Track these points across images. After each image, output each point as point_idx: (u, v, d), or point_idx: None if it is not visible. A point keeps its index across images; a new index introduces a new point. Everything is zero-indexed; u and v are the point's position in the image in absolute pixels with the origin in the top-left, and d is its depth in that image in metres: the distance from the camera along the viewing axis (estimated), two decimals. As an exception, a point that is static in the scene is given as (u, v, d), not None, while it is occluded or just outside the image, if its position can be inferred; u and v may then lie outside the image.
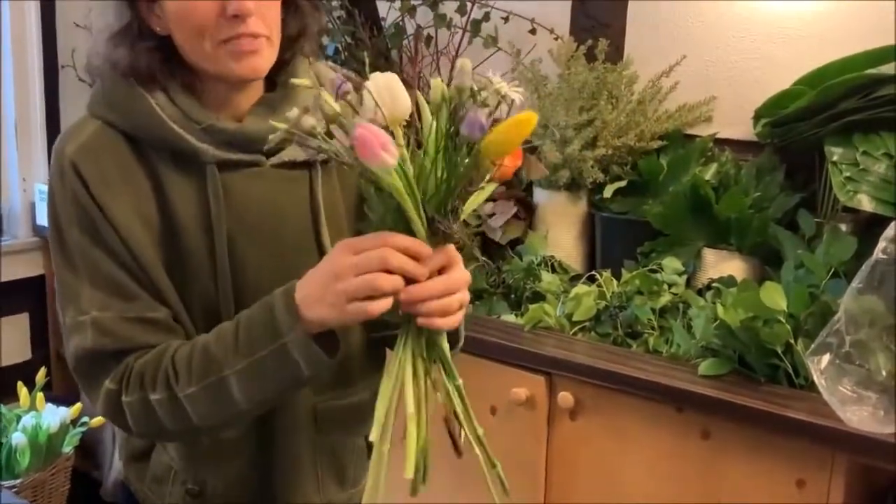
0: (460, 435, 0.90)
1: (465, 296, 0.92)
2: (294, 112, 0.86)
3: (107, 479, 2.43)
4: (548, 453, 1.69)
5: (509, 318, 1.83)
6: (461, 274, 0.91)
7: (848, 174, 1.61)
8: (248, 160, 1.02)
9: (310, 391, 1.08)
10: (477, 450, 0.91)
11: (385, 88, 0.83)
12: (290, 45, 1.06)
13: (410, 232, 0.87)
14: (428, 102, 0.87)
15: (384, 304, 0.87)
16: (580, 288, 1.81)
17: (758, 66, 1.92)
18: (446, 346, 0.93)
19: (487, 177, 0.88)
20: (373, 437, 0.87)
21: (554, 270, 1.96)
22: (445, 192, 0.85)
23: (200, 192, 1.00)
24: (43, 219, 2.48)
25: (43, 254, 2.54)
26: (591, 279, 1.86)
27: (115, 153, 0.99)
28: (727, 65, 1.95)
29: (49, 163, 2.54)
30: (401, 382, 0.88)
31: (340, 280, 0.87)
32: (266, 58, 1.00)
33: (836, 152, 1.64)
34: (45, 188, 2.43)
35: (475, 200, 0.90)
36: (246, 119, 1.03)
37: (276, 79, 1.07)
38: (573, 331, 1.74)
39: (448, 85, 0.86)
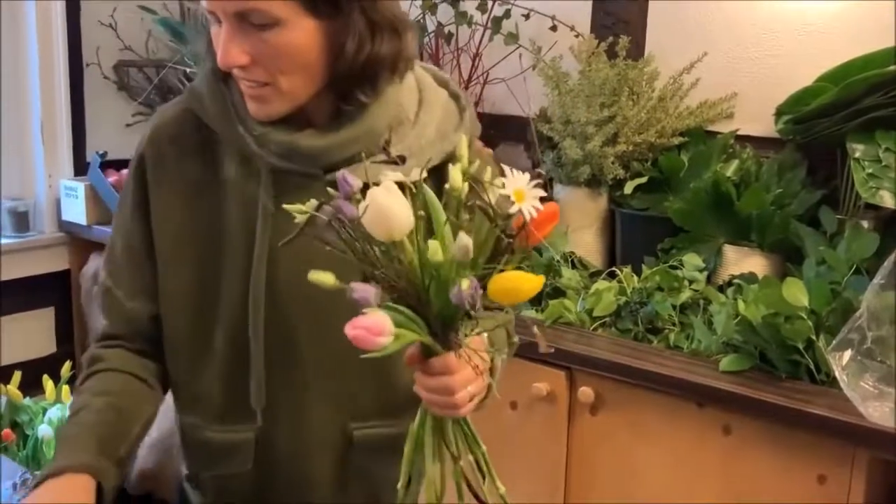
0: (481, 489, 0.90)
1: (476, 387, 0.88)
2: (311, 203, 0.84)
3: (131, 470, 2.46)
4: (568, 448, 1.70)
5: (529, 313, 1.83)
6: (461, 377, 0.86)
7: (870, 171, 1.61)
8: (302, 171, 0.99)
9: (350, 416, 1.08)
10: None
11: (376, 213, 0.79)
12: (343, 89, 0.98)
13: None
14: None
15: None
16: (600, 284, 1.81)
17: (780, 62, 1.91)
18: (466, 419, 0.91)
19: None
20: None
21: (574, 266, 1.96)
22: (451, 315, 0.83)
23: (256, 197, 1.01)
24: (69, 215, 2.51)
25: (68, 249, 2.58)
26: (611, 275, 1.87)
27: (186, 140, 1.03)
28: (749, 61, 1.95)
29: (74, 159, 2.58)
30: (420, 451, 0.89)
31: None
32: (275, 104, 0.96)
33: (858, 149, 1.64)
34: (71, 185, 2.48)
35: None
36: (303, 133, 0.99)
37: (360, 93, 0.99)
38: (593, 326, 1.75)
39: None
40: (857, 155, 1.63)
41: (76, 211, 2.48)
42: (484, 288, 0.80)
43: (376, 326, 0.78)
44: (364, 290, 0.79)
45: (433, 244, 0.80)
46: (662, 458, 1.59)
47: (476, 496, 0.89)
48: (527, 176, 0.81)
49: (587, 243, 2.04)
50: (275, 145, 0.98)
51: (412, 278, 0.81)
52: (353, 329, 0.77)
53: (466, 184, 0.83)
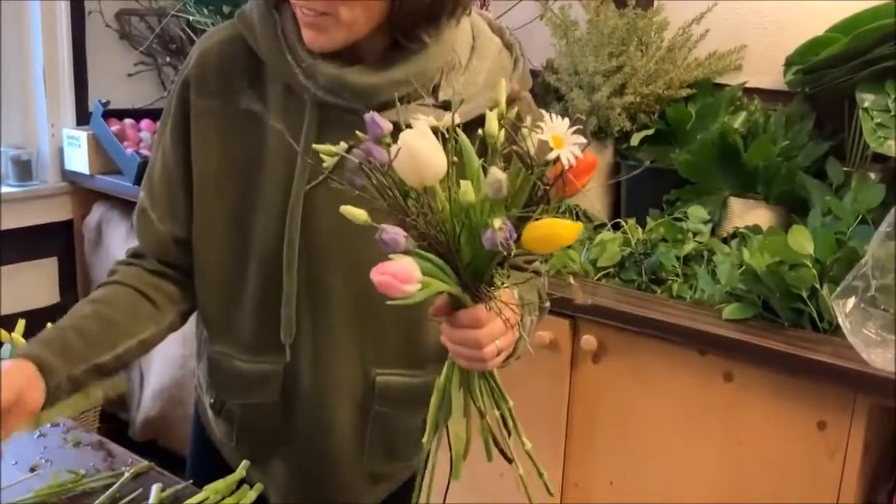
0: (507, 444, 0.89)
1: (505, 341, 0.87)
2: (342, 146, 0.83)
3: (134, 420, 2.49)
4: (570, 396, 1.72)
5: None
6: (499, 323, 0.85)
7: (879, 120, 1.60)
8: (347, 107, 0.97)
9: (373, 362, 1.08)
10: (521, 467, 0.90)
11: (409, 157, 0.77)
12: (399, 27, 0.96)
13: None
14: None
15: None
16: (605, 235, 1.81)
17: (789, 14, 1.89)
18: (493, 374, 0.90)
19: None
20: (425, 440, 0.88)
21: (578, 219, 1.96)
22: (482, 266, 0.81)
23: (298, 130, 0.99)
24: (71, 164, 2.50)
25: (71, 198, 2.58)
26: (616, 227, 1.87)
27: (232, 65, 1.01)
28: (758, 13, 1.93)
29: (76, 109, 2.57)
30: (446, 405, 0.87)
31: None
32: (331, 37, 0.94)
33: (867, 98, 1.63)
34: (73, 134, 2.47)
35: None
36: (351, 69, 0.96)
37: (420, 33, 0.97)
38: (597, 276, 1.75)
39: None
40: (866, 105, 1.62)
41: (79, 160, 2.47)
42: (518, 239, 0.77)
43: (404, 273, 0.76)
44: (394, 233, 0.77)
45: (465, 184, 0.77)
46: (664, 405, 1.60)
47: (502, 452, 0.88)
48: (566, 122, 0.77)
49: (591, 196, 2.03)
50: (323, 78, 0.95)
51: (443, 227, 0.79)
52: (379, 274, 0.75)
53: (503, 131, 0.80)
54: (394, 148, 0.77)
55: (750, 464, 1.52)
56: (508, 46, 1.05)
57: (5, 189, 2.44)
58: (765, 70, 1.92)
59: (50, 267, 2.60)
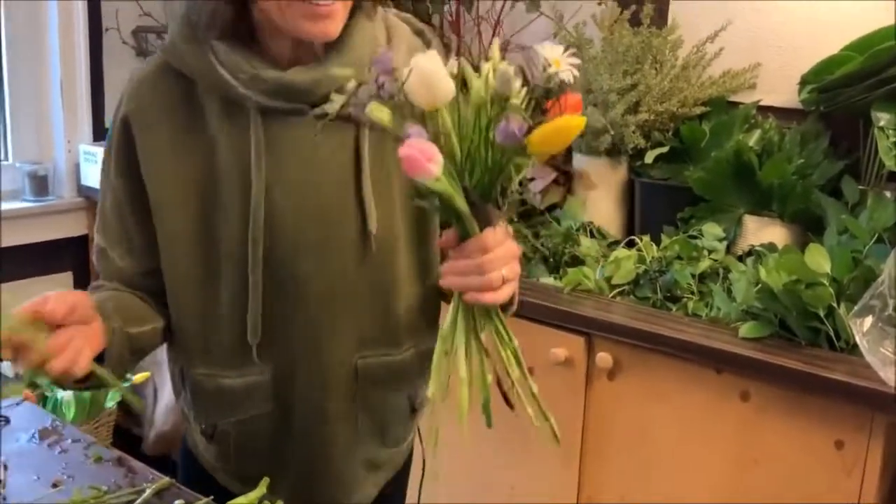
0: (511, 390, 0.90)
1: (510, 271, 0.91)
2: (351, 84, 0.88)
3: (147, 434, 2.49)
4: (585, 413, 1.71)
5: (548, 280, 1.84)
6: (504, 251, 0.90)
7: (894, 139, 1.60)
8: (290, 108, 1.02)
9: (352, 347, 1.10)
10: (529, 407, 0.91)
11: (420, 79, 0.81)
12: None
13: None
14: (476, 69, 0.86)
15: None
16: (620, 252, 1.82)
17: (804, 32, 1.90)
18: (498, 312, 0.92)
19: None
20: (430, 390, 0.89)
21: (592, 236, 1.97)
22: (490, 182, 0.85)
23: (244, 138, 1.03)
24: (87, 179, 2.52)
25: (87, 214, 2.59)
26: (630, 245, 1.87)
27: (166, 92, 1.04)
28: (773, 32, 1.94)
29: (93, 124, 2.59)
30: (453, 351, 0.89)
31: None
32: (339, 20, 1.00)
33: (883, 117, 1.63)
34: (90, 149, 2.49)
35: (519, 176, 0.89)
36: (291, 70, 1.02)
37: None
38: (612, 294, 1.76)
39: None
40: (881, 124, 1.63)
41: (95, 176, 2.48)
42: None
43: (429, 150, 0.79)
44: (419, 132, 0.81)
45: (476, 81, 0.82)
46: (680, 423, 1.60)
47: (505, 397, 0.90)
48: (560, 47, 0.83)
49: (605, 213, 2.04)
50: (266, 83, 1.00)
51: (452, 151, 0.83)
52: (406, 149, 0.79)
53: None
54: (405, 70, 0.82)
55: (766, 483, 1.51)
56: (419, 33, 1.13)
57: (22, 204, 2.46)
58: (779, 88, 1.92)
59: (65, 282, 2.61)
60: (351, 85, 0.88)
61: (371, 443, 1.16)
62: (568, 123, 0.82)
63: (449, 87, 0.81)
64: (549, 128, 0.82)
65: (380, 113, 0.83)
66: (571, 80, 0.83)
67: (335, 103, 0.95)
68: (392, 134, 0.85)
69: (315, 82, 1.01)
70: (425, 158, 0.79)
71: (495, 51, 0.86)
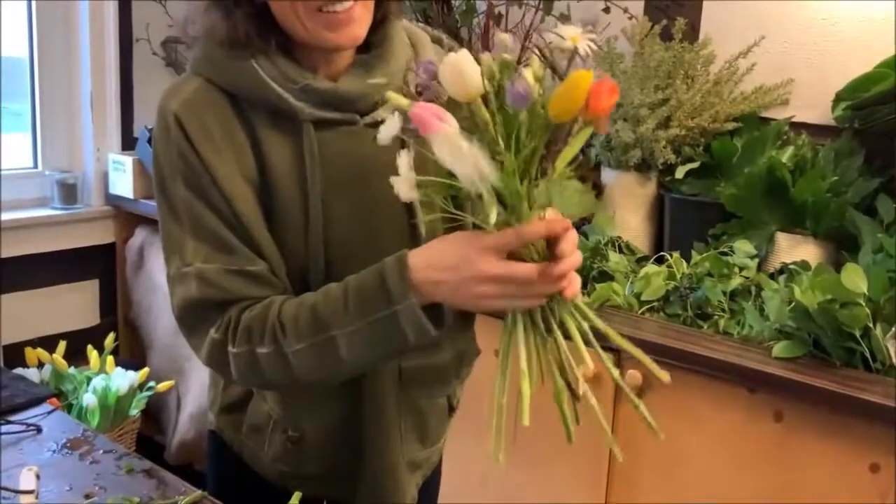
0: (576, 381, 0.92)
1: (577, 260, 0.92)
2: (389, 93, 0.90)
3: (170, 443, 2.50)
4: (614, 432, 1.69)
5: (577, 295, 1.83)
6: (576, 245, 0.91)
7: (932, 158, 1.58)
8: (342, 119, 1.03)
9: None
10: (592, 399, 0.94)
11: (452, 71, 0.84)
12: (380, 5, 1.05)
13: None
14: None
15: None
16: (650, 268, 1.80)
17: (837, 49, 1.89)
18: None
19: (576, 128, 0.88)
20: (496, 395, 0.89)
21: (621, 251, 1.95)
22: (524, 162, 0.86)
23: (296, 150, 1.02)
24: (116, 188, 2.54)
25: (114, 222, 2.61)
26: (659, 261, 1.85)
27: (217, 109, 1.01)
28: (806, 47, 1.93)
29: (122, 134, 2.62)
30: (514, 343, 0.90)
31: (480, 285, 0.89)
32: (362, 24, 1.00)
33: (919, 136, 1.61)
34: (119, 158, 2.51)
35: (567, 155, 0.89)
36: (341, 79, 1.04)
37: (370, 39, 1.06)
38: (641, 310, 1.74)
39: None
40: (918, 142, 1.61)
41: (123, 184, 2.51)
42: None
43: (436, 110, 0.83)
44: (522, 86, 0.83)
45: (485, 59, 0.86)
46: (711, 443, 1.58)
47: (569, 387, 0.91)
48: (578, 27, 0.88)
49: (634, 228, 2.02)
50: (318, 94, 1.01)
51: (493, 138, 0.85)
52: (417, 109, 0.83)
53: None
54: (440, 66, 0.85)
55: (799, 505, 1.49)
56: (437, 41, 1.16)
57: (51, 212, 2.48)
58: (812, 105, 1.90)
59: (91, 289, 2.63)
60: (394, 103, 0.89)
61: (412, 444, 1.17)
62: (577, 77, 0.83)
63: (478, 79, 0.85)
64: (560, 88, 0.84)
65: (399, 100, 0.86)
66: (589, 53, 0.87)
67: (390, 123, 0.93)
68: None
69: (363, 94, 1.02)
70: (433, 115, 0.82)
71: (503, 38, 0.89)
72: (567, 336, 0.92)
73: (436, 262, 0.91)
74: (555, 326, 0.91)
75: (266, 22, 1.01)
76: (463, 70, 0.84)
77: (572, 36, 0.87)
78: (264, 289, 1.01)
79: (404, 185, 0.89)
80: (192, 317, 1.00)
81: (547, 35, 0.92)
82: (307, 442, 1.12)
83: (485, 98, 0.86)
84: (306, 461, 1.14)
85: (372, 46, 1.07)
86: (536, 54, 0.90)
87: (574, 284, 0.91)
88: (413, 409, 1.15)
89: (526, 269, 0.88)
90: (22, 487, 1.08)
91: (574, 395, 0.90)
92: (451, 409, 1.23)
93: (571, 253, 0.90)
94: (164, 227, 1.03)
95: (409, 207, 1.07)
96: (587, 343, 0.92)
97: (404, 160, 0.88)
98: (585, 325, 0.92)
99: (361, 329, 0.94)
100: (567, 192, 0.88)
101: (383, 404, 1.11)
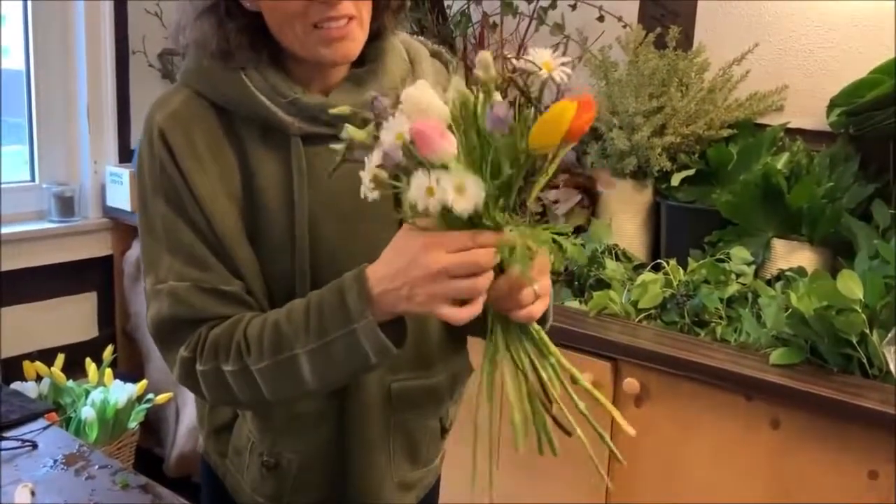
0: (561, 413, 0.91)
1: (542, 287, 0.91)
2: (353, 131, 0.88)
3: (169, 455, 2.49)
4: (611, 439, 1.69)
5: (573, 303, 1.83)
6: (535, 266, 0.88)
7: (927, 164, 1.58)
8: (332, 134, 0.99)
9: (386, 371, 1.08)
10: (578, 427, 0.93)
11: (415, 109, 0.82)
12: (375, 19, 1.03)
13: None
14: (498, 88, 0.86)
15: (476, 310, 0.87)
16: (646, 276, 1.80)
17: (832, 55, 1.89)
18: (535, 328, 0.92)
19: (550, 155, 0.85)
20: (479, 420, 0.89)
21: (617, 259, 1.95)
22: (503, 192, 0.84)
23: (285, 165, 1.01)
24: (113, 200, 2.54)
25: (112, 234, 2.61)
26: (656, 268, 1.85)
27: (205, 123, 1.00)
28: (800, 53, 1.93)
29: (119, 146, 2.61)
30: (500, 372, 0.89)
31: (434, 282, 0.85)
32: (357, 41, 0.99)
33: (914, 141, 1.61)
34: (116, 171, 2.51)
35: (541, 183, 0.87)
36: (332, 94, 1.03)
37: (365, 52, 1.05)
38: (638, 318, 1.74)
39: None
40: (913, 148, 1.61)
41: (120, 197, 2.51)
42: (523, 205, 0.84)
43: (440, 127, 0.79)
44: (501, 109, 0.81)
45: (455, 81, 0.84)
46: (708, 450, 1.58)
47: (558, 424, 0.90)
48: (549, 50, 0.85)
49: (630, 235, 2.02)
50: (308, 109, 1.00)
51: (471, 163, 0.83)
52: (419, 125, 0.79)
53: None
54: (400, 104, 0.82)
55: (798, 513, 1.49)
56: (436, 54, 1.13)
57: (48, 225, 2.48)
58: (807, 111, 1.91)
59: (89, 302, 2.63)
60: (346, 134, 0.87)
61: (403, 464, 1.15)
62: (560, 109, 0.80)
63: (443, 109, 0.82)
64: (542, 118, 0.81)
65: (354, 132, 0.84)
66: (565, 80, 0.84)
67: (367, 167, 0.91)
68: (360, 151, 0.86)
69: (358, 108, 0.99)
70: (437, 133, 0.78)
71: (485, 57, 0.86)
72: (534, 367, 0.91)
73: (389, 271, 0.89)
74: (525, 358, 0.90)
75: (258, 33, 1.00)
76: (422, 108, 0.81)
77: (545, 62, 0.83)
78: (238, 308, 0.99)
79: (366, 178, 0.86)
80: (165, 334, 0.99)
81: (519, 62, 0.88)
82: (283, 468, 1.10)
83: (454, 124, 0.83)
84: (287, 493, 1.11)
85: (367, 61, 1.06)
86: (512, 77, 0.88)
87: (530, 308, 0.89)
88: (403, 430, 1.13)
89: (463, 236, 0.85)
90: (17, 504, 1.08)
91: (565, 431, 0.89)
92: (444, 431, 1.20)
93: (538, 278, 0.88)
94: (143, 242, 1.02)
95: (399, 224, 1.04)
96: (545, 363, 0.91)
97: (375, 158, 0.85)
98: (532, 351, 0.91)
99: (321, 348, 0.92)
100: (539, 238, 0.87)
101: (372, 424, 1.09)
